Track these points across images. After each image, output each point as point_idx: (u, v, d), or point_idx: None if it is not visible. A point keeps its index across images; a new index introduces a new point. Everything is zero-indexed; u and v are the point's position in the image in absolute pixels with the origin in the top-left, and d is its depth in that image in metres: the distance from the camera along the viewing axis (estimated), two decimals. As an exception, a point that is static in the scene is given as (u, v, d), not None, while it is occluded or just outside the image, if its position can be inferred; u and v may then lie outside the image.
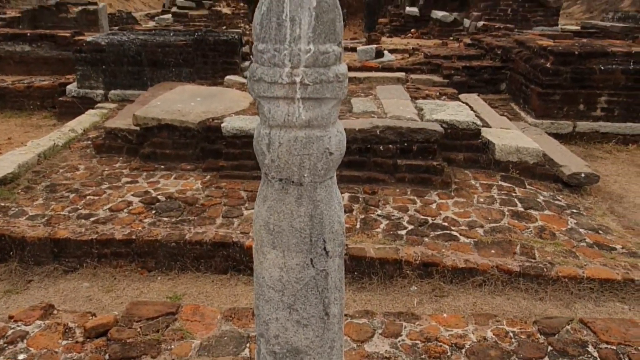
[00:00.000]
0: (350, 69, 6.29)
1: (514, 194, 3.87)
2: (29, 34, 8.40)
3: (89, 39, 6.30)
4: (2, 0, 13.34)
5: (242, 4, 13.19)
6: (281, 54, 1.18)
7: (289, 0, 1.14)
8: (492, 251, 3.07)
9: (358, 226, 3.34)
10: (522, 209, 3.63)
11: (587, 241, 3.24)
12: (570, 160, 4.32)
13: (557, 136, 5.31)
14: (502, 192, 3.90)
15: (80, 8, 11.52)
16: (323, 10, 1.15)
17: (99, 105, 6.09)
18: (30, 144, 4.72)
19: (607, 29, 11.10)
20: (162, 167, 4.30)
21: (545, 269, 2.89)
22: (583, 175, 4.06)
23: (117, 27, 13.09)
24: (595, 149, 5.43)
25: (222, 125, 4.12)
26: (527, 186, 4.05)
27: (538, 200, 3.80)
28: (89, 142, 4.90)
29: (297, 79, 1.19)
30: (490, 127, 4.75)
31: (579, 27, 12.13)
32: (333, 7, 1.17)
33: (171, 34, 6.56)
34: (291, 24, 1.16)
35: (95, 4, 13.00)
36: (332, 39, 1.19)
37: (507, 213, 3.57)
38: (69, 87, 6.50)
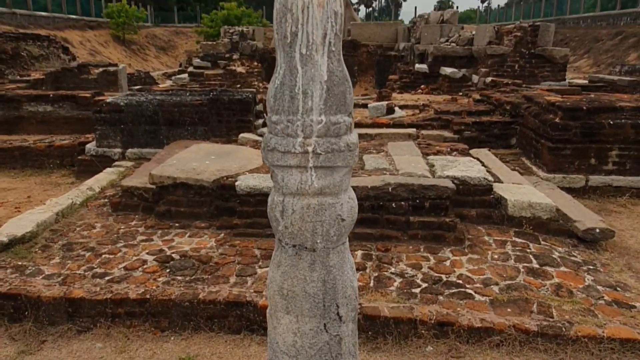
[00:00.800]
0: (362, 125, 6.42)
1: (528, 250, 3.84)
2: (51, 95, 8.71)
3: (108, 99, 6.51)
4: (27, 63, 13.87)
5: (255, 63, 13.61)
6: (294, 124, 1.23)
7: (301, 75, 1.21)
8: (509, 310, 3.02)
9: (371, 284, 3.33)
10: (537, 266, 3.60)
11: (606, 299, 3.18)
12: (584, 215, 4.30)
13: (569, 190, 5.31)
14: (517, 248, 3.88)
15: (101, 69, 11.97)
16: (334, 83, 1.22)
17: (116, 163, 6.24)
18: (49, 203, 4.81)
19: (614, 83, 11.23)
20: (177, 224, 4.35)
21: (563, 329, 2.83)
22: (598, 230, 4.03)
23: (136, 87, 13.54)
24: (609, 202, 5.40)
25: (236, 183, 4.19)
26: (542, 242, 4.02)
27: (553, 256, 3.77)
28: (106, 200, 5.00)
29: (310, 149, 1.24)
30: (502, 182, 4.77)
31: (586, 81, 12.30)
32: (343, 80, 1.23)
33: (187, 94, 6.77)
34: (303, 97, 1.22)
35: (116, 65, 13.51)
36: (342, 110, 1.25)
37: (522, 270, 3.53)
38: (88, 146, 6.67)
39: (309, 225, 1.30)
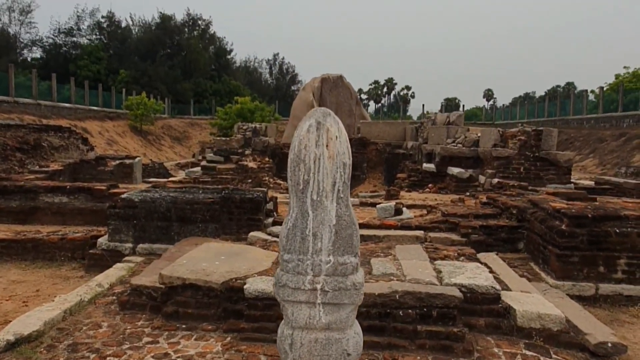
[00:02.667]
0: (370, 226, 6.51)
1: (538, 365, 3.77)
2: (68, 187, 8.97)
3: (123, 195, 6.71)
4: (47, 153, 14.39)
5: (267, 159, 14.01)
6: (304, 263, 1.32)
7: (312, 218, 1.31)
8: None
9: (378, 398, 3.25)
10: (548, 382, 3.51)
11: (620, 422, 3.08)
12: (595, 328, 4.24)
13: (580, 299, 5.26)
14: (526, 362, 3.80)
15: (117, 162, 12.37)
16: (342, 227, 1.32)
17: (126, 258, 6.31)
18: (57, 300, 4.84)
19: (620, 185, 11.39)
20: (184, 326, 4.34)
21: None
22: (610, 344, 3.96)
23: (150, 179, 13.88)
24: (621, 312, 5.32)
25: (245, 287, 4.22)
26: (553, 355, 3.94)
27: (564, 372, 3.68)
28: (114, 297, 5.02)
29: (318, 286, 1.32)
30: (510, 290, 4.76)
31: (592, 182, 12.47)
32: (350, 224, 1.34)
33: (200, 192, 6.96)
34: (314, 239, 1.32)
35: (132, 157, 13.95)
36: (349, 252, 1.34)
37: (532, 386, 3.45)
38: (100, 240, 6.78)
39: (316, 359, 1.34)
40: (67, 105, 29.13)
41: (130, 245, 6.55)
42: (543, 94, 66.31)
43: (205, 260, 4.90)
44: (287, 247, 1.32)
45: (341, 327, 1.33)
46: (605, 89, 33.60)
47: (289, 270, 1.34)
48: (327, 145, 1.27)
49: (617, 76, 35.75)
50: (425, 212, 7.74)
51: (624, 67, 35.94)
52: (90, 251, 6.70)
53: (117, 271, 5.84)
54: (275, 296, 1.38)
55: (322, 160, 1.29)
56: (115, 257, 6.43)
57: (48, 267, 6.74)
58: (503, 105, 60.82)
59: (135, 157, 13.58)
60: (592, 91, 36.34)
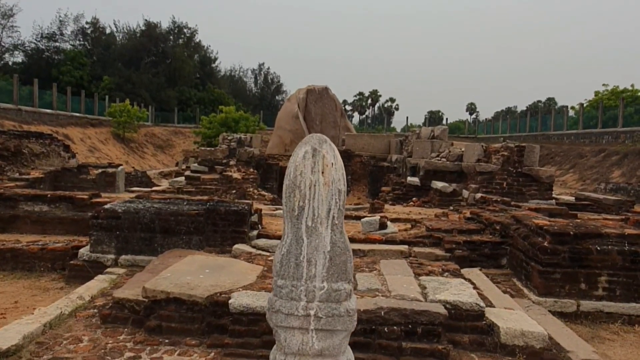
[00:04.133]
0: (355, 240, 6.51)
1: (521, 382, 3.79)
2: (49, 195, 8.83)
3: (106, 206, 6.63)
4: (28, 160, 14.17)
5: (251, 170, 13.98)
6: (298, 289, 1.32)
7: (306, 244, 1.31)
8: None
9: (363, 417, 3.24)
10: (531, 400, 3.53)
11: None
12: (577, 345, 4.29)
13: (561, 315, 5.32)
14: (510, 379, 3.82)
15: (100, 170, 12.23)
16: (336, 253, 1.32)
17: (108, 270, 6.22)
18: (37, 312, 4.75)
19: (600, 201, 11.56)
20: (167, 341, 4.28)
21: None
22: (591, 362, 4.00)
23: (132, 187, 13.74)
24: (601, 329, 5.39)
25: (230, 301, 4.19)
26: (535, 372, 3.97)
27: (547, 390, 3.71)
28: (95, 310, 4.93)
29: (312, 312, 1.32)
30: (494, 306, 4.79)
31: (573, 198, 12.65)
32: (345, 250, 1.34)
33: (185, 203, 6.91)
34: (308, 265, 1.32)
35: (114, 165, 13.81)
36: (343, 278, 1.34)
37: (516, 405, 3.47)
38: (81, 250, 6.68)
39: (309, 386, 1.34)
40: (48, 111, 28.78)
41: (112, 256, 6.47)
42: (524, 108, 67.42)
43: (190, 273, 4.85)
44: (281, 272, 1.32)
45: (334, 353, 1.33)
46: (585, 105, 34.24)
47: (282, 296, 1.34)
48: (322, 172, 1.27)
49: (596, 93, 36.46)
50: (409, 226, 7.77)
51: (603, 85, 36.74)
52: (71, 262, 6.60)
53: (98, 283, 5.76)
54: (268, 321, 1.37)
55: (317, 187, 1.29)
56: (96, 268, 6.34)
57: (27, 278, 6.61)
58: (486, 119, 61.66)
59: (118, 165, 13.44)
60: (573, 107, 37.03)
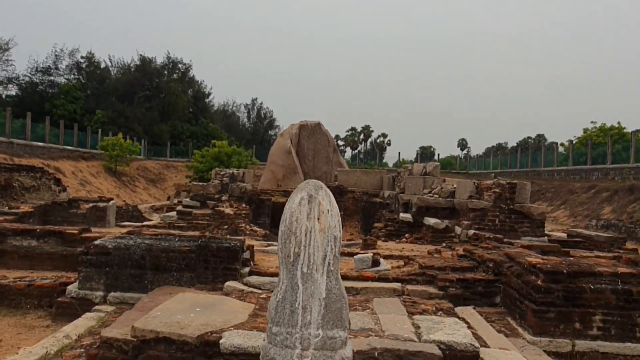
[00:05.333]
0: (348, 278, 6.46)
1: None
2: (38, 230, 8.73)
3: (97, 242, 6.55)
4: (17, 193, 14.08)
5: (244, 205, 13.94)
6: (293, 337, 1.30)
7: (302, 291, 1.30)
8: None
9: None
10: None
11: None
12: (572, 387, 4.22)
13: (556, 355, 5.26)
14: (506, 423, 3.75)
15: (91, 205, 12.14)
16: (332, 300, 1.31)
17: (96, 307, 6.10)
18: (22, 352, 4.64)
19: (592, 238, 11.60)
20: (155, 383, 4.17)
21: None
22: (587, 405, 3.94)
23: (123, 222, 13.63)
24: (597, 370, 5.32)
25: (221, 341, 4.11)
26: (531, 416, 3.90)
27: None
28: (83, 350, 4.81)
29: (307, 360, 1.29)
30: (488, 346, 4.73)
31: (565, 235, 12.69)
32: (340, 297, 1.32)
33: (176, 239, 6.85)
34: (303, 312, 1.30)
35: (105, 199, 13.72)
36: (339, 325, 1.32)
37: None
38: (69, 287, 6.56)
39: None
40: (40, 144, 28.76)
41: (101, 293, 6.36)
42: (515, 144, 68.20)
43: (180, 312, 4.77)
44: (276, 319, 1.30)
45: (329, 402, 1.30)
46: (574, 142, 34.71)
47: (277, 344, 1.31)
48: (318, 219, 1.27)
49: (585, 130, 37.02)
50: (402, 263, 7.73)
51: (591, 122, 37.33)
52: (59, 299, 6.47)
53: (86, 321, 5.64)
54: (262, 371, 1.34)
55: (313, 234, 1.29)
56: (85, 305, 6.21)
57: (12, 315, 6.47)
58: (477, 155, 62.26)
59: (109, 199, 13.36)
60: (562, 144, 37.48)
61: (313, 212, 1.29)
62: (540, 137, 69.60)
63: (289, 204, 1.31)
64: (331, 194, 1.37)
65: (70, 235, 8.60)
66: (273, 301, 1.31)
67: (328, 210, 1.30)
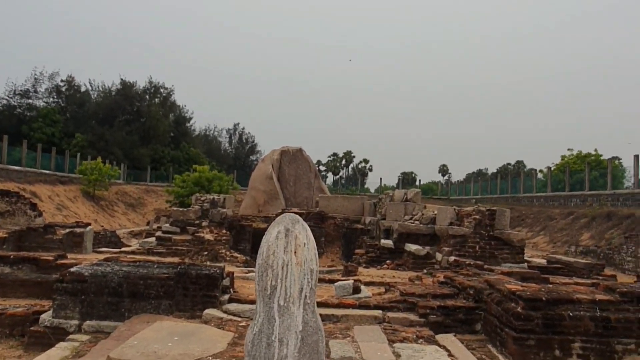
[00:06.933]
0: (328, 305, 6.41)
1: None
2: (12, 257, 8.54)
3: (73, 269, 6.42)
4: (-9, 220, 13.79)
5: (224, 231, 13.82)
6: (269, 371, 1.28)
7: (278, 324, 1.29)
8: None
9: None
10: None
11: None
12: (552, 416, 4.21)
13: (537, 383, 5.24)
14: None
15: (67, 230, 11.93)
16: (308, 333, 1.30)
17: (71, 337, 5.94)
18: (-9, 384, 4.48)
19: (571, 264, 11.73)
20: (129, 415, 4.06)
21: None
22: None
23: (101, 247, 13.40)
24: (577, 398, 5.32)
25: (198, 372, 4.03)
26: None
27: None
28: (55, 382, 4.68)
29: (283, 396, 1.27)
30: (469, 375, 4.71)
31: (545, 261, 12.81)
32: (316, 330, 1.31)
33: (155, 266, 6.75)
34: (279, 345, 1.29)
35: (82, 225, 13.50)
36: (315, 358, 1.31)
37: None
38: (43, 316, 6.39)
39: None
40: (17, 168, 28.32)
41: (76, 322, 6.20)
42: (495, 170, 69.11)
43: (157, 341, 4.68)
44: (252, 352, 1.29)
45: None
46: (552, 169, 35.30)
47: (253, 379, 1.29)
48: (295, 252, 1.27)
49: (562, 157, 37.70)
50: (383, 290, 7.71)
51: (568, 150, 38.04)
52: (32, 328, 6.29)
53: (59, 351, 5.48)
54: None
55: (290, 267, 1.28)
56: (59, 335, 6.05)
57: (-17, 345, 6.27)
58: (458, 181, 62.91)
59: (87, 225, 13.14)
60: (541, 170, 38.07)
61: (290, 246, 1.29)
62: (520, 164, 70.60)
63: (266, 237, 1.30)
64: (308, 227, 1.38)
65: (45, 262, 8.42)
66: (249, 334, 1.30)
67: (305, 243, 1.30)
